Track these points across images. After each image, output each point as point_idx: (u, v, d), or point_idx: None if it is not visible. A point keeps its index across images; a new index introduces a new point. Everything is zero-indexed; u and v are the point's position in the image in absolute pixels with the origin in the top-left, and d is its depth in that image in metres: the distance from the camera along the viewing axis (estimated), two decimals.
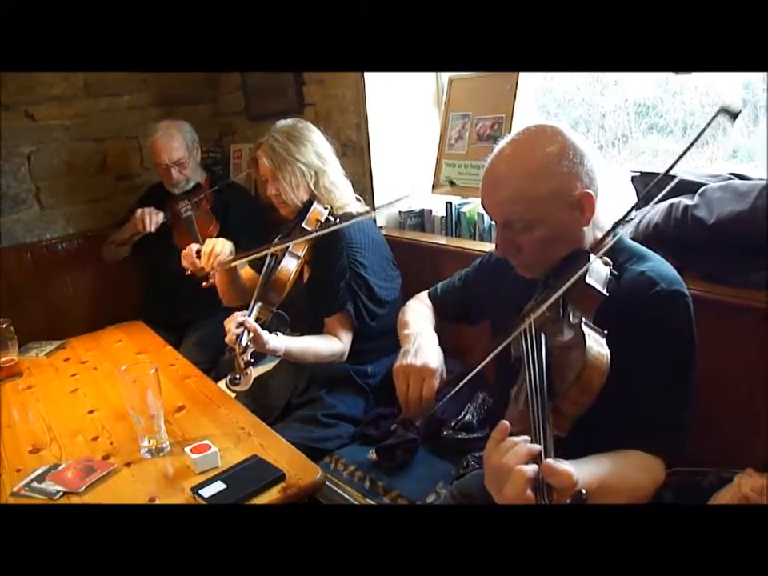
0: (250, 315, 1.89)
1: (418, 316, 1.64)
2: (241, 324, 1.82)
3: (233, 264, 2.15)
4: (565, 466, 0.92)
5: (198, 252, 2.44)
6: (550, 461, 0.92)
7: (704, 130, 1.09)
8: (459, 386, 1.19)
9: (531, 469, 0.92)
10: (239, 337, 1.79)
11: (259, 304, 1.98)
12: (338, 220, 2.04)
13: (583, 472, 0.97)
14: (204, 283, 2.42)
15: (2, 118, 3.02)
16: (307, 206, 2.08)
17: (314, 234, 1.96)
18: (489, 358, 1.17)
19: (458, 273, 1.74)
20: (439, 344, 1.47)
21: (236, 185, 3.21)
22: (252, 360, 1.81)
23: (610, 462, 1.08)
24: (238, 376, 1.79)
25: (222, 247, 2.17)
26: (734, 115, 1.07)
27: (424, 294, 1.77)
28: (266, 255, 2.06)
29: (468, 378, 1.18)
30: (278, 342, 1.90)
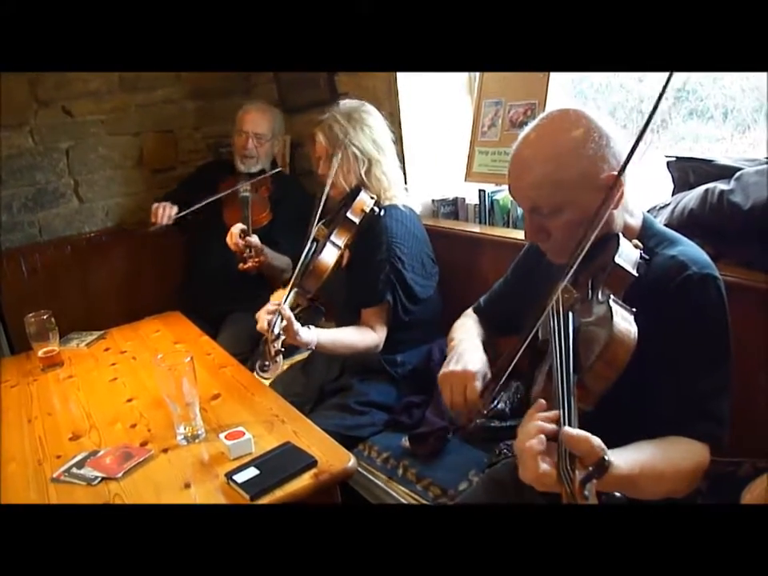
0: (285, 302, 1.86)
1: (463, 330, 1.63)
2: (274, 311, 1.80)
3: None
4: (584, 433, 0.91)
5: (243, 232, 2.49)
6: (567, 428, 0.92)
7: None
8: (502, 378, 1.18)
9: (537, 441, 0.93)
10: (271, 324, 1.78)
11: (295, 290, 1.95)
12: (382, 211, 2.04)
13: (623, 457, 0.97)
14: (240, 265, 2.51)
15: (40, 115, 3.09)
16: (354, 192, 2.07)
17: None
18: (526, 343, 1.17)
19: (496, 282, 1.73)
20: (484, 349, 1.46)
21: (297, 180, 3.23)
22: (283, 349, 1.79)
23: (652, 447, 1.07)
24: (267, 363, 1.78)
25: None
26: None
27: (469, 310, 1.77)
28: (306, 239, 2.03)
29: (509, 369, 1.18)
30: (310, 334, 1.88)
